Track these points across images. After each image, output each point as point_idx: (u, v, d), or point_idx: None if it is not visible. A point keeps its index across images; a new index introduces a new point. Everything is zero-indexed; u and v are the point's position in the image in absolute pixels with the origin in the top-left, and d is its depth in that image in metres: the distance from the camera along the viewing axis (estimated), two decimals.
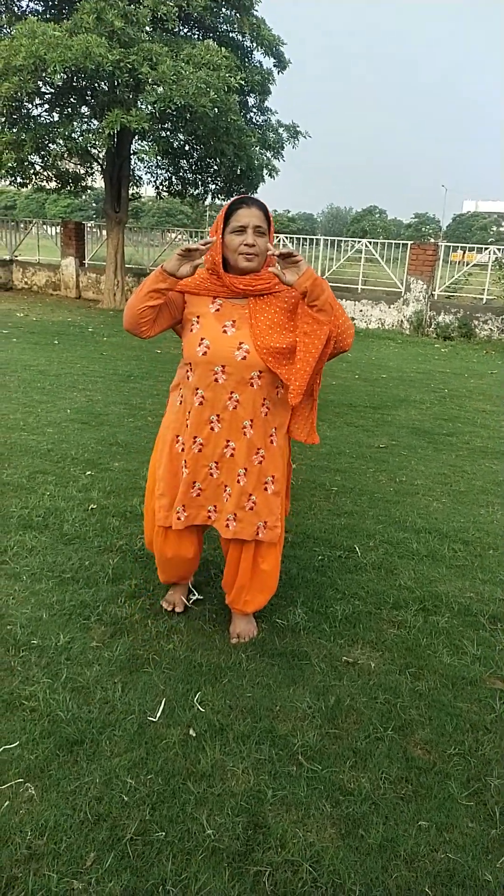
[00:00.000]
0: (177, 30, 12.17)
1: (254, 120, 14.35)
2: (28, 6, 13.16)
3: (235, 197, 2.31)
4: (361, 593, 2.96)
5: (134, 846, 1.67)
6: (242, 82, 11.64)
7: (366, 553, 3.35)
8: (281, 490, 2.47)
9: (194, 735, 2.06)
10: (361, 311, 13.28)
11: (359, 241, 14.03)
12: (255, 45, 13.58)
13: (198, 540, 2.61)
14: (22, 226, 18.51)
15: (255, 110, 14.44)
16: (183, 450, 2.44)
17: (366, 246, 13.67)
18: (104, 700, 2.18)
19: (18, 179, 14.69)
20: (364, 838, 1.76)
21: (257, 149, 13.53)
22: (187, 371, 2.41)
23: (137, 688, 2.25)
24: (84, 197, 19.07)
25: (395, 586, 3.04)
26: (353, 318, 13.34)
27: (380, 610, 2.84)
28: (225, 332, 2.31)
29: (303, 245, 14.59)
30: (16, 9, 12.88)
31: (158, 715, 2.13)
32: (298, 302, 2.25)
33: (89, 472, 4.22)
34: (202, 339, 2.33)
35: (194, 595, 2.85)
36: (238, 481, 2.39)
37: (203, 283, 2.34)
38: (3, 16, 12.56)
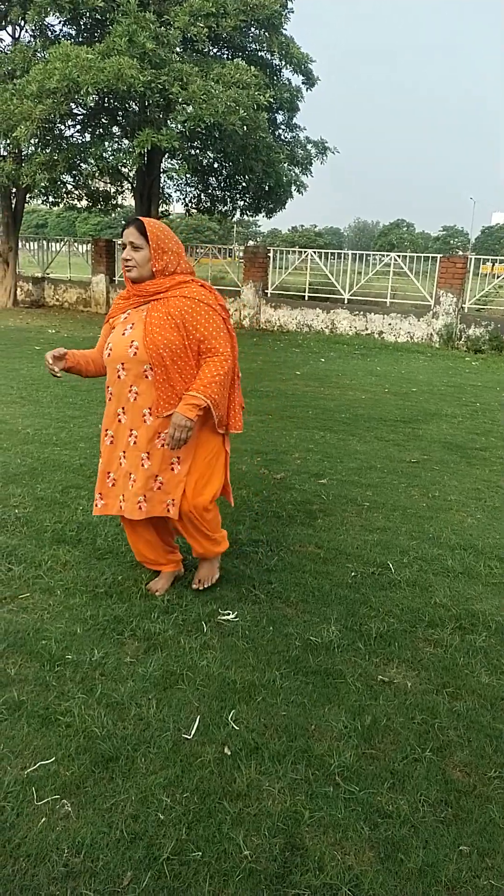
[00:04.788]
0: (206, 50, 12.35)
1: (282, 137, 14.49)
2: (61, 30, 13.43)
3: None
4: (396, 611, 2.92)
5: (171, 866, 1.66)
6: (271, 100, 11.77)
7: (400, 570, 3.31)
8: (187, 469, 2.73)
9: (229, 753, 2.04)
10: (390, 324, 13.24)
11: (387, 255, 14.01)
12: (283, 62, 13.73)
13: (152, 528, 2.93)
14: (55, 244, 18.86)
15: (283, 127, 14.59)
16: (111, 442, 2.77)
17: (394, 259, 13.64)
18: (139, 716, 2.18)
19: (51, 198, 15.00)
20: (404, 862, 1.72)
21: (286, 165, 13.65)
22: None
23: (172, 704, 2.24)
24: (114, 215, 19.38)
25: (431, 604, 3.00)
26: (381, 332, 13.28)
27: (415, 628, 2.80)
28: (124, 334, 2.68)
29: (330, 259, 14.61)
30: (49, 33, 13.21)
31: (193, 732, 2.12)
32: (187, 314, 2.63)
33: None
34: (108, 343, 2.73)
35: (228, 614, 2.84)
36: (142, 465, 2.70)
37: (117, 305, 2.78)
38: (37, 40, 12.88)
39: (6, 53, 13.59)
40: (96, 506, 2.84)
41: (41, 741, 2.04)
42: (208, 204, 15.93)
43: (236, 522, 3.79)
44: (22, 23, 13.37)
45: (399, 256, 13.70)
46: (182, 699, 2.27)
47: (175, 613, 2.81)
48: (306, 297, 14.64)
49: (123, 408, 2.70)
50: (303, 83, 14.27)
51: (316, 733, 2.16)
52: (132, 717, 2.17)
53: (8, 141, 11.95)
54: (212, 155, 14.05)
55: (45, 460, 4.67)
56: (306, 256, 14.57)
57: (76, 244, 18.70)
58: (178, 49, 11.64)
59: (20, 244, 16.96)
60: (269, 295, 14.67)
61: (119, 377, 2.68)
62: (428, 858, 1.74)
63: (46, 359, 2.80)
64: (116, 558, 3.27)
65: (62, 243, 18.78)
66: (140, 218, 2.65)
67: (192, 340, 2.63)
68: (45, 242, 19.17)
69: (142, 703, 2.24)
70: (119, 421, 2.72)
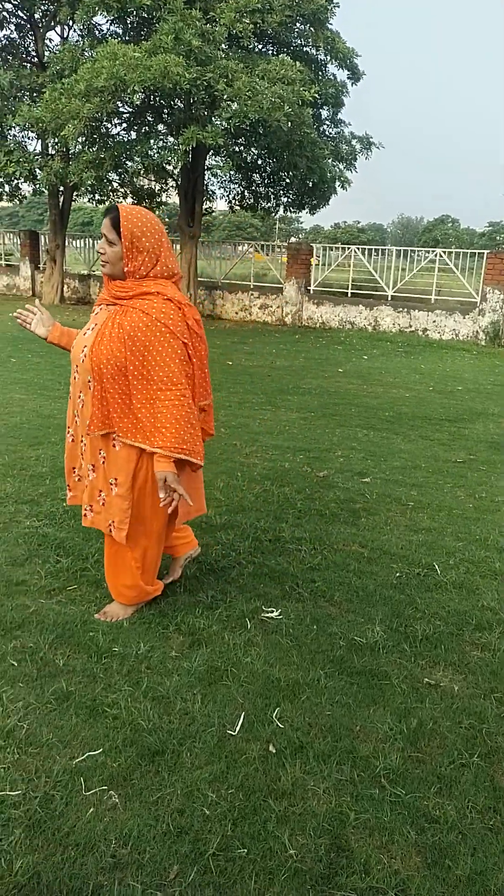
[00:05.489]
0: (252, 46, 12.32)
1: (327, 132, 14.38)
2: (109, 29, 13.58)
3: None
4: (442, 613, 2.88)
5: (216, 861, 1.67)
6: (316, 95, 11.68)
7: (446, 571, 3.26)
8: (126, 494, 2.50)
9: (274, 751, 2.04)
10: (434, 321, 13.05)
11: (431, 251, 13.80)
12: (329, 57, 13.63)
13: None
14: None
15: (328, 122, 14.48)
16: (73, 440, 2.67)
17: (439, 256, 13.43)
18: (184, 711, 2.19)
19: (97, 196, 15.19)
20: (451, 869, 1.70)
21: (330, 161, 13.55)
22: None
23: (216, 700, 2.25)
24: (157, 212, 19.58)
25: (478, 607, 2.95)
26: (425, 329, 13.10)
27: (462, 631, 2.75)
28: (85, 334, 2.55)
29: (373, 256, 14.47)
30: (97, 32, 13.37)
31: (238, 729, 2.12)
32: (140, 332, 2.38)
33: None
34: (75, 340, 2.63)
35: (272, 612, 2.83)
36: (89, 475, 2.58)
37: (101, 296, 2.60)
38: (85, 39, 13.04)
39: (55, 53, 13.81)
40: (67, 496, 2.78)
41: (89, 732, 2.07)
42: (252, 200, 15.91)
43: (279, 520, 3.78)
44: (70, 23, 13.57)
45: (444, 252, 13.49)
46: (226, 695, 2.28)
47: (219, 609, 2.82)
48: (349, 294, 14.52)
49: (76, 412, 2.60)
50: (348, 78, 14.16)
51: (361, 734, 2.14)
52: (177, 712, 2.18)
53: (56, 139, 12.13)
54: (256, 151, 14.03)
55: None
56: (349, 253, 14.45)
57: None
58: (223, 46, 11.65)
59: (67, 242, 17.22)
60: (311, 292, 14.61)
61: (75, 378, 2.57)
62: (476, 866, 1.71)
63: (28, 311, 2.74)
64: None
65: None
66: (119, 207, 2.40)
67: (141, 361, 2.38)
68: (90, 240, 19.43)
69: (187, 697, 2.25)
70: (76, 423, 2.62)
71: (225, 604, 2.87)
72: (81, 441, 2.60)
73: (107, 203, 15.40)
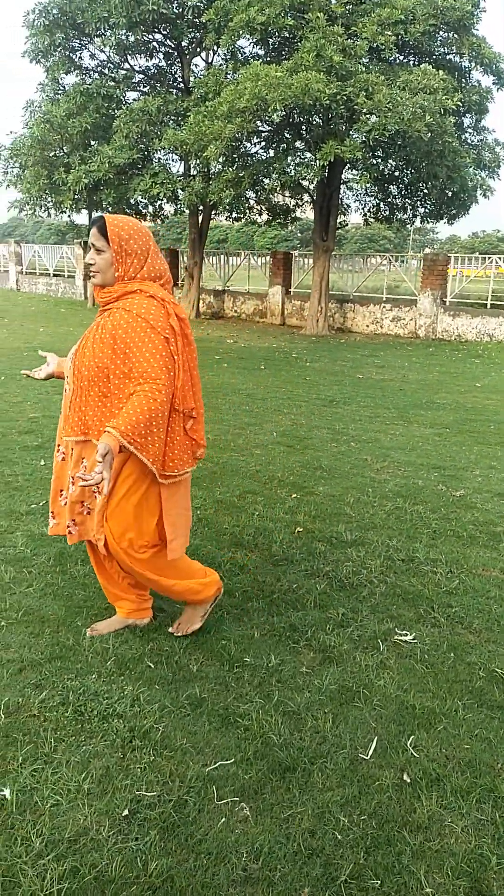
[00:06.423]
0: (393, 58, 12.20)
1: (469, 140, 13.93)
2: (252, 52, 13.98)
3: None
4: None
5: (349, 889, 1.61)
6: (459, 103, 11.37)
7: None
8: (109, 499, 2.41)
9: (408, 781, 1.96)
10: None
11: None
12: (473, 64, 13.21)
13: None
14: (234, 259, 19.65)
15: (470, 130, 14.03)
16: (63, 458, 2.58)
17: None
18: (315, 729, 2.16)
19: (234, 214, 15.63)
20: None
21: (471, 169, 13.11)
22: None
23: (348, 721, 2.20)
24: (290, 228, 19.88)
25: None
26: None
27: None
28: (77, 343, 2.49)
29: None
30: (240, 55, 13.79)
31: (370, 753, 2.06)
32: (121, 330, 2.33)
33: (295, 495, 4.28)
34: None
35: (406, 635, 2.74)
36: (69, 488, 2.52)
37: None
38: (229, 63, 13.49)
39: (200, 78, 14.41)
40: (49, 524, 2.64)
41: (221, 741, 2.09)
42: (387, 212, 15.72)
43: (412, 539, 3.66)
44: (215, 48, 14.10)
45: None
46: (358, 717, 2.22)
47: (350, 628, 2.76)
48: (489, 305, 13.94)
49: (65, 426, 2.52)
50: (493, 83, 13.65)
51: (503, 773, 2.01)
52: (308, 729, 2.15)
53: (198, 160, 12.62)
54: (393, 163, 13.85)
55: (224, 465, 4.84)
56: (490, 262, 13.89)
57: (254, 257, 19.32)
58: (364, 59, 11.62)
59: (204, 259, 17.83)
60: (447, 303, 14.17)
61: (66, 390, 2.51)
62: None
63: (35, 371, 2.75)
64: (291, 566, 3.29)
65: (242, 257, 19.50)
66: (104, 216, 2.40)
67: (123, 360, 2.33)
68: (225, 257, 20.02)
69: (318, 715, 2.22)
70: (65, 438, 2.53)
71: (356, 623, 2.81)
72: (72, 455, 2.51)
73: (243, 220, 15.81)
